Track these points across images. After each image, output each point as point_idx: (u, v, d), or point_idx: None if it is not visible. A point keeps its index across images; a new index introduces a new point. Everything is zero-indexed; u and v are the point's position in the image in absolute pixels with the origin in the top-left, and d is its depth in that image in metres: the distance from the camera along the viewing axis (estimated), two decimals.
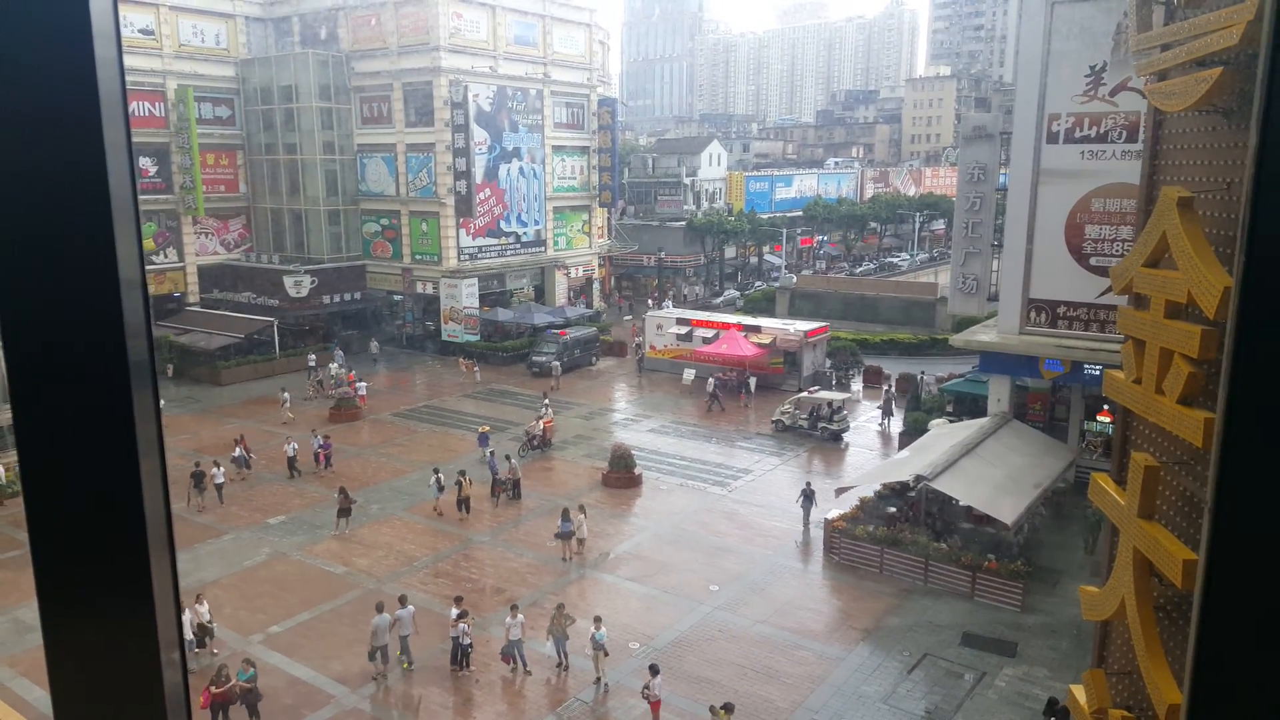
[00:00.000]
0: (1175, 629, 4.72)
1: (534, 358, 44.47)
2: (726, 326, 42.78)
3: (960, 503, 23.17)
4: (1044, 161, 25.88)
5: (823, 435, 33.76)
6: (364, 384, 39.04)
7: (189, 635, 18.39)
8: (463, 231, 48.87)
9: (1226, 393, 1.17)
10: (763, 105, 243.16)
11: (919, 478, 22.67)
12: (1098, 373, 25.84)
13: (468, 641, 18.38)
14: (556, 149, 54.11)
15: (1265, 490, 1.16)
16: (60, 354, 1.07)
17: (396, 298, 51.49)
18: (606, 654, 18.04)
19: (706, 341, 42.07)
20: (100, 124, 1.05)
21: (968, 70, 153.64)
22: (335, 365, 41.66)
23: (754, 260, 77.55)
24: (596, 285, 58.81)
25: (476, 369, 43.90)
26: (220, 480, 27.57)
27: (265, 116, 51.28)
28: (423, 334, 50.15)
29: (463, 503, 26.39)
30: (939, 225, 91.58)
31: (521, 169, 51.46)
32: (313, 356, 43.08)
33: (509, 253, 51.86)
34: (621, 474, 29.12)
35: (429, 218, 49.28)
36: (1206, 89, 4.38)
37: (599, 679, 17.99)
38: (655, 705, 16.47)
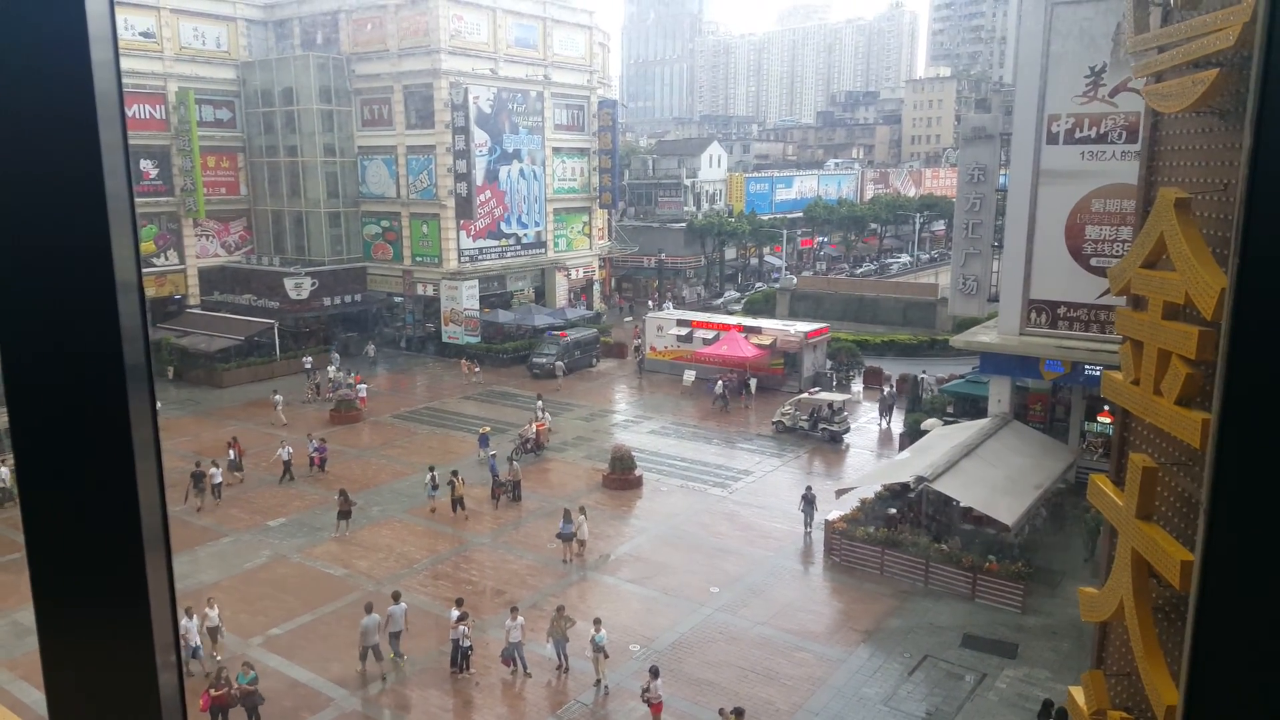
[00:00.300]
0: (1174, 630, 4.72)
1: (534, 359, 44.48)
2: (727, 328, 42.79)
3: (961, 504, 23.16)
4: (1044, 162, 25.89)
5: (823, 436, 33.75)
6: (364, 386, 39.04)
7: (196, 641, 18.26)
8: (463, 233, 48.89)
9: (1221, 393, 1.18)
10: (763, 107, 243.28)
11: (919, 479, 22.66)
12: (1098, 373, 25.82)
13: (468, 644, 18.38)
14: (557, 151, 54.14)
15: (1260, 491, 1.16)
16: (56, 357, 1.07)
17: (397, 300, 51.51)
18: (607, 656, 18.03)
19: (707, 343, 42.07)
20: (96, 126, 1.05)
21: (967, 71, 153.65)
22: (333, 368, 41.66)
23: (754, 261, 77.57)
24: (597, 287, 58.82)
25: (478, 370, 43.91)
26: (218, 480, 27.77)
27: (266, 119, 51.33)
28: (423, 336, 50.16)
29: (456, 502, 26.61)
30: (939, 226, 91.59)
31: (522, 171, 51.49)
32: (309, 359, 43.02)
33: (509, 254, 51.88)
34: (622, 475, 29.12)
35: (429, 220, 49.31)
36: (1203, 90, 4.39)
37: (599, 681, 17.98)
38: (657, 708, 16.45)
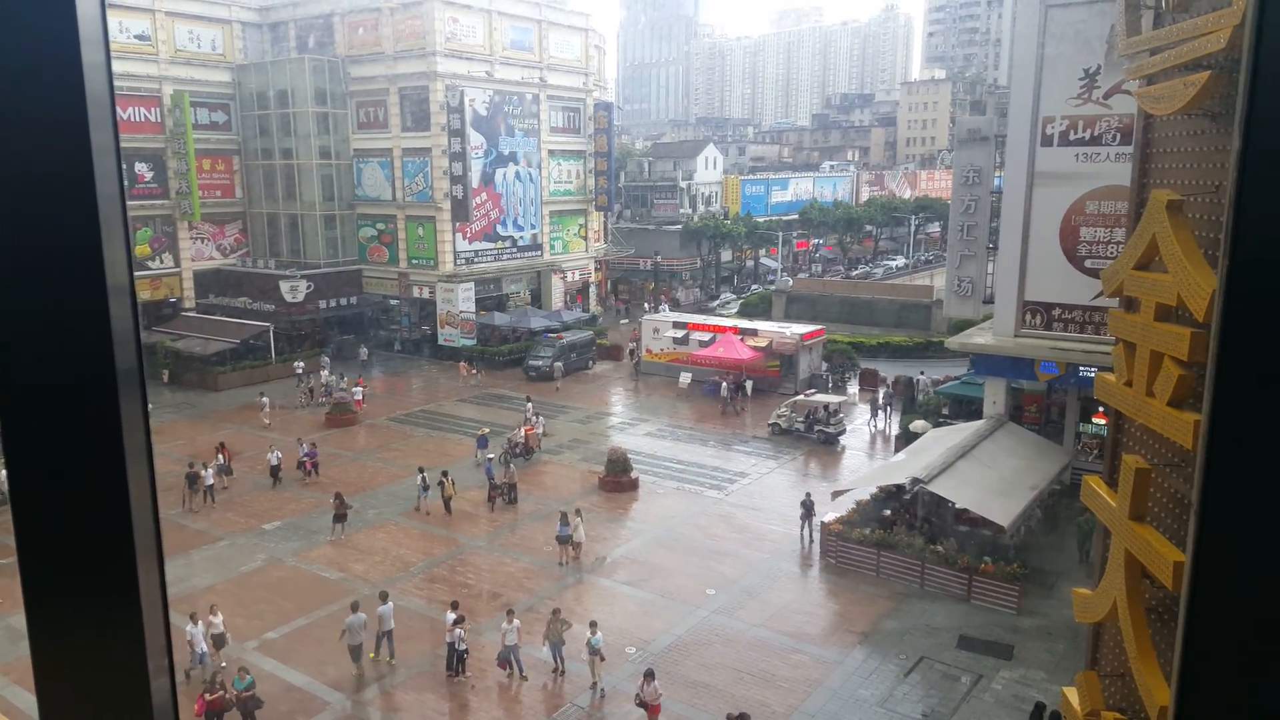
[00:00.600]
0: (1167, 631, 4.73)
1: (530, 362, 44.46)
2: (723, 330, 42.82)
3: (956, 505, 23.18)
4: (1038, 164, 25.94)
5: (819, 438, 33.77)
6: (359, 389, 38.98)
7: (203, 647, 18.07)
8: (459, 236, 48.87)
9: (1212, 394, 1.18)
10: (758, 109, 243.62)
11: (915, 480, 22.68)
12: (1093, 375, 25.84)
13: (464, 647, 18.35)
14: (553, 153, 54.15)
15: (1250, 491, 1.16)
16: (48, 361, 1.07)
17: (393, 302, 51.45)
18: (603, 659, 18.01)
19: (703, 345, 42.10)
20: (88, 129, 1.05)
21: (962, 73, 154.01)
22: (325, 372, 41.56)
23: (750, 263, 77.63)
24: (593, 289, 58.82)
25: (476, 372, 43.91)
26: (210, 482, 27.97)
27: (261, 121, 51.26)
28: (419, 338, 50.10)
29: (446, 502, 26.89)
30: (934, 228, 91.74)
31: (518, 173, 51.48)
32: (300, 364, 42.89)
33: (505, 257, 51.86)
34: (618, 478, 29.10)
35: (425, 222, 49.27)
36: (1194, 93, 4.40)
37: (595, 684, 17.95)
38: (655, 710, 16.43)
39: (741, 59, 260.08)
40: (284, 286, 46.55)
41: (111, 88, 1.11)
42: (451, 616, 18.60)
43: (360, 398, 38.35)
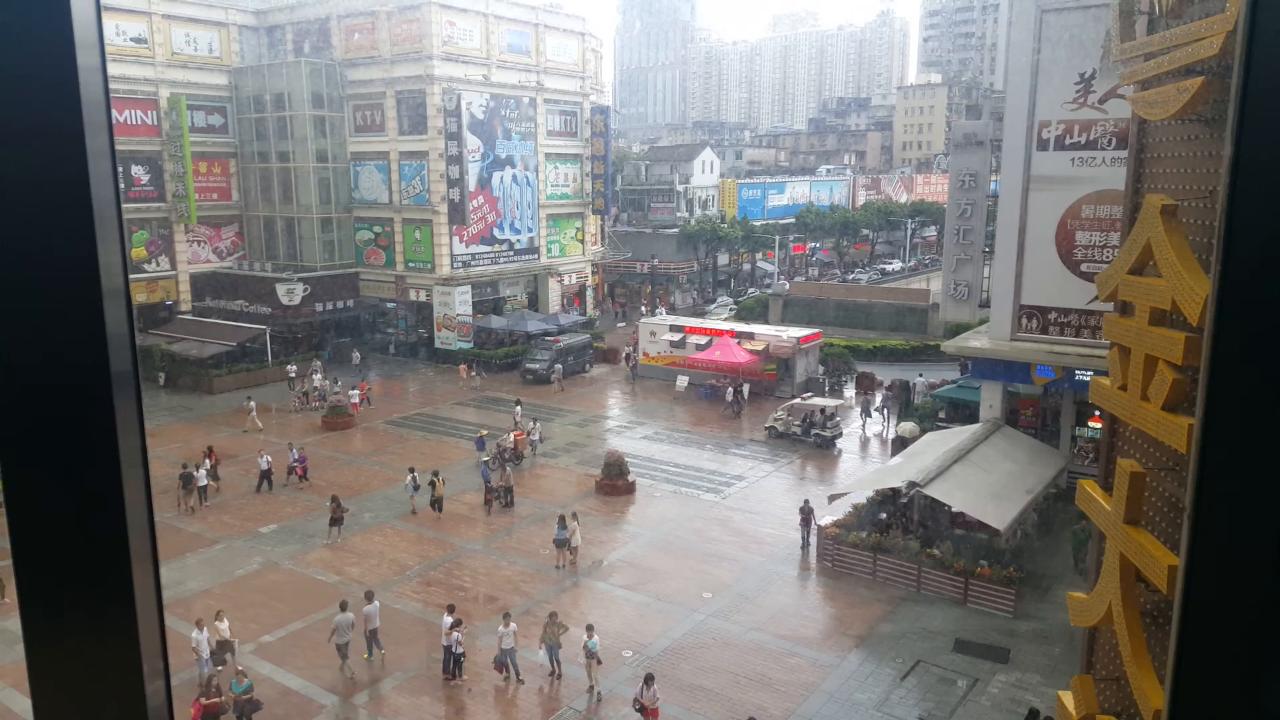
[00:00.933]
0: (1162, 634, 4.74)
1: (528, 365, 44.47)
2: (720, 333, 42.84)
3: (952, 509, 23.19)
4: (1034, 168, 26.00)
5: (816, 442, 33.78)
6: (355, 392, 38.95)
7: (207, 652, 17.92)
8: (456, 239, 48.86)
9: (1204, 398, 1.19)
10: (755, 113, 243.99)
11: (911, 484, 22.69)
12: (1089, 378, 25.88)
13: (460, 650, 18.32)
14: (549, 157, 54.18)
15: (1243, 495, 1.17)
16: (42, 364, 1.07)
17: (390, 305, 51.40)
18: (599, 662, 17.99)
19: (700, 348, 42.12)
20: (83, 133, 1.05)
21: (958, 78, 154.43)
22: (318, 377, 41.48)
23: (747, 267, 77.69)
24: (590, 292, 58.82)
25: (475, 375, 43.91)
26: (204, 483, 28.05)
27: (258, 125, 51.23)
28: (415, 341, 50.06)
29: (436, 503, 26.93)
30: (931, 232, 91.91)
31: (515, 177, 51.49)
32: (293, 367, 42.81)
33: (502, 260, 51.85)
34: (615, 481, 29.08)
35: (422, 225, 49.26)
36: (1188, 98, 4.42)
37: (592, 687, 17.93)
38: (653, 714, 16.39)
39: (738, 63, 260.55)
40: (280, 289, 46.49)
41: (107, 91, 1.11)
42: (448, 620, 18.58)
43: (357, 401, 38.31)
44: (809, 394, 38.19)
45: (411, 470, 27.87)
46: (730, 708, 17.50)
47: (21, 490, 1.09)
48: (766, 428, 35.11)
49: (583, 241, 57.63)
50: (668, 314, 55.81)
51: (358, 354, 46.62)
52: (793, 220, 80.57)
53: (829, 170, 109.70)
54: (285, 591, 22.47)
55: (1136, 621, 4.53)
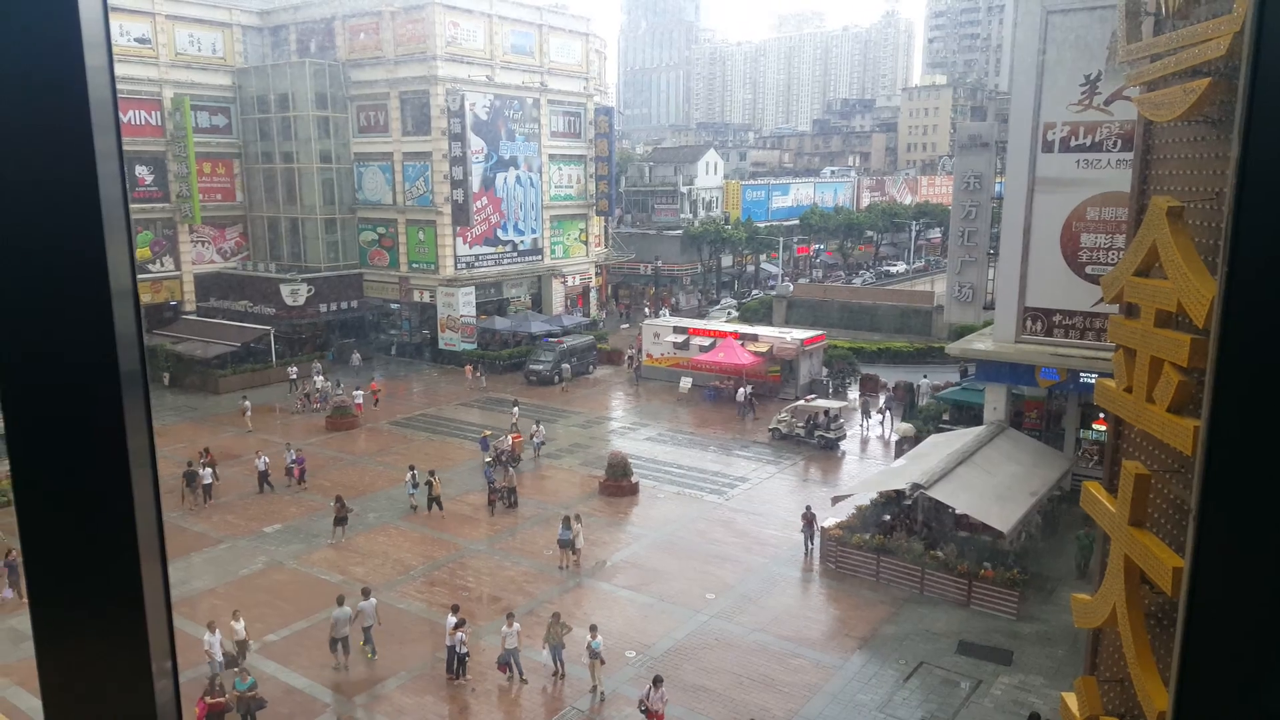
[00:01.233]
0: (1166, 636, 4.73)
1: (531, 366, 44.49)
2: (724, 335, 42.82)
3: (956, 511, 23.16)
4: (1039, 170, 25.96)
5: (819, 443, 33.76)
6: (360, 392, 39.01)
7: (220, 655, 17.88)
8: (460, 240, 48.91)
9: (1210, 400, 1.19)
10: (759, 114, 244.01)
11: (915, 486, 22.67)
12: (1093, 380, 25.84)
13: (464, 650, 18.33)
14: (553, 158, 54.21)
15: (1248, 497, 1.17)
16: (51, 364, 1.08)
17: (394, 306, 51.46)
18: (603, 662, 17.99)
19: (704, 350, 42.11)
20: (91, 133, 1.05)
21: (963, 79, 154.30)
22: (320, 378, 41.52)
23: (751, 269, 77.68)
24: (593, 294, 58.85)
25: (481, 376, 43.98)
26: (209, 481, 28.17)
27: (262, 125, 51.33)
28: (418, 342, 50.12)
29: (433, 501, 27.12)
30: (935, 234, 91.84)
31: (518, 178, 51.53)
32: (293, 369, 42.89)
33: (506, 261, 51.89)
34: (618, 482, 29.08)
35: (426, 226, 49.31)
36: (1194, 99, 4.42)
37: (595, 688, 17.94)
38: (658, 717, 16.34)
39: (742, 64, 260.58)
40: (284, 290, 46.57)
41: (114, 91, 1.11)
42: (452, 620, 18.59)
43: (361, 401, 38.36)
44: (813, 396, 38.17)
45: (412, 468, 28.16)
46: (733, 708, 17.49)
47: (31, 489, 1.10)
48: (770, 429, 35.09)
49: (586, 243, 57.65)
50: (671, 315, 55.81)
51: (358, 355, 46.63)
52: (797, 222, 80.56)
53: (833, 172, 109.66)
54: (289, 591, 22.50)
55: (1141, 623, 4.52)
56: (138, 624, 1.12)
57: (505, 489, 28.03)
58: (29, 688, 18.10)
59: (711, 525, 26.77)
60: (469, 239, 49.28)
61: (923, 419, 33.61)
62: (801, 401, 36.13)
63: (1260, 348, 1.12)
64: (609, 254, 61.80)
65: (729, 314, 60.43)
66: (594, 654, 17.83)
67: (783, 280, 70.37)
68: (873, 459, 33.52)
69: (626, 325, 59.38)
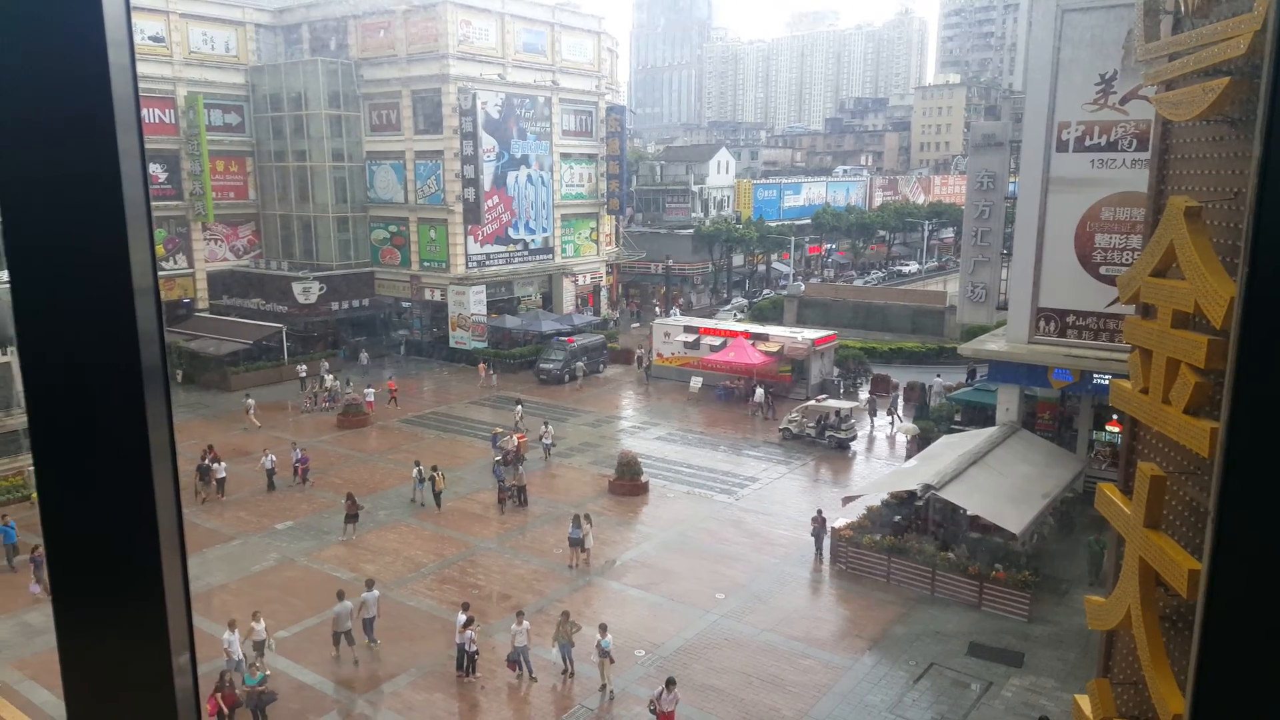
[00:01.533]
0: (1180, 639, 4.70)
1: (542, 365, 44.56)
2: (734, 334, 42.76)
3: (968, 512, 23.07)
4: (1054, 170, 25.81)
5: (830, 444, 33.68)
6: (371, 390, 39.16)
7: (238, 654, 17.87)
8: (470, 239, 49.01)
9: (1229, 402, 1.18)
10: (771, 113, 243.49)
11: (926, 487, 22.59)
12: (1107, 382, 25.72)
13: (474, 648, 18.38)
14: (564, 156, 54.25)
15: (1268, 499, 1.16)
16: (74, 360, 1.08)
17: (405, 304, 51.63)
18: (612, 661, 18.01)
19: (714, 349, 42.06)
20: (114, 131, 1.06)
21: (977, 78, 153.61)
22: (330, 377, 41.69)
23: (762, 268, 77.53)
24: (604, 293, 58.88)
25: (493, 374, 44.11)
26: (222, 475, 28.40)
27: (275, 123, 51.57)
28: (431, 340, 50.27)
29: (436, 496, 27.54)
30: (948, 233, 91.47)
31: (529, 176, 51.60)
32: (303, 367, 43.07)
33: (517, 260, 51.97)
34: (628, 481, 29.10)
35: (437, 225, 49.44)
36: (1213, 99, 4.38)
37: (604, 686, 17.96)
38: (668, 717, 16.32)
39: (755, 63, 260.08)
40: (297, 288, 46.78)
41: (136, 89, 1.11)
42: (462, 618, 18.65)
43: (372, 399, 38.50)
44: (824, 396, 38.08)
45: (417, 463, 28.55)
46: (742, 708, 17.48)
47: (55, 484, 1.10)
48: (781, 429, 35.03)
49: (597, 242, 57.68)
50: (682, 314, 55.77)
51: (365, 354, 46.72)
52: (809, 221, 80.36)
53: (846, 171, 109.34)
54: (301, 587, 22.61)
55: (1155, 626, 4.50)
56: (158, 618, 1.13)
57: (515, 487, 28.08)
58: (42, 681, 18.25)
59: (721, 525, 26.76)
60: (480, 237, 49.38)
61: (934, 420, 33.48)
62: (813, 402, 36.05)
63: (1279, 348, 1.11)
64: (620, 253, 61.80)
65: (736, 314, 60.27)
66: (603, 653, 17.85)
67: (794, 280, 70.22)
68: (884, 460, 33.41)
69: (637, 325, 59.38)
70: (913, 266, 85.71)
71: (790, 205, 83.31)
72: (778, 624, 20.81)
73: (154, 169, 48.00)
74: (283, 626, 20.58)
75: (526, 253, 52.43)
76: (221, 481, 28.42)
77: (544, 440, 32.54)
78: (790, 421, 34.88)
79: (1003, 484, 23.50)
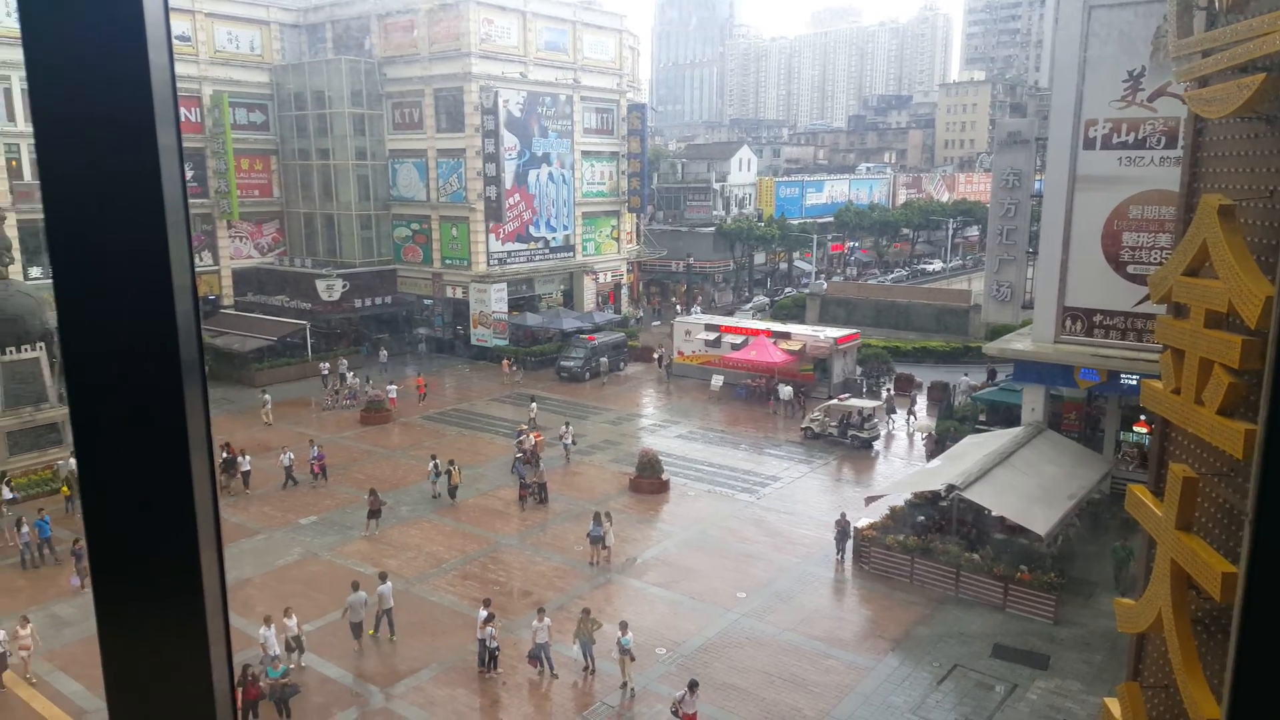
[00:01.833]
0: (1213, 643, 4.63)
1: (562, 362, 44.65)
2: (755, 333, 42.64)
3: (993, 513, 22.88)
4: (1080, 168, 25.53)
5: (853, 443, 33.51)
6: (393, 387, 39.41)
7: (276, 650, 18.00)
8: (492, 236, 49.20)
9: (1269, 402, 1.16)
10: (793, 110, 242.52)
11: (951, 487, 22.42)
12: (1134, 382, 25.42)
13: (495, 644, 18.47)
14: (586, 154, 54.31)
15: None
16: (116, 354, 1.10)
17: (427, 302, 51.92)
18: (633, 659, 18.02)
19: (735, 347, 41.95)
20: (154, 129, 1.07)
21: (1002, 75, 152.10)
22: (350, 375, 42.00)
23: (784, 266, 77.23)
24: (625, 291, 58.90)
25: (518, 371, 44.31)
26: (246, 468, 28.80)
27: (299, 122, 52.02)
28: (452, 338, 50.52)
29: (452, 490, 27.79)
30: (973, 232, 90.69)
31: (551, 174, 51.71)
32: (325, 365, 43.43)
33: (538, 258, 52.11)
34: (649, 479, 29.10)
35: (459, 223, 49.67)
36: (1248, 95, 4.31)
37: (625, 684, 17.98)
38: (690, 719, 16.28)
39: (777, 60, 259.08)
40: (320, 285, 47.17)
41: (174, 89, 1.13)
42: (483, 614, 18.74)
43: (394, 396, 38.75)
44: (846, 395, 37.89)
45: (434, 458, 28.97)
46: (764, 708, 17.45)
47: (96, 476, 1.12)
48: (802, 429, 34.90)
49: (618, 239, 57.71)
50: (703, 313, 55.69)
51: (384, 352, 46.96)
52: (831, 219, 79.95)
53: (869, 168, 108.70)
54: (324, 582, 22.81)
55: (1188, 629, 4.43)
56: (197, 610, 1.14)
57: (536, 484, 28.17)
58: (71, 672, 18.54)
59: (743, 524, 26.70)
60: (501, 235, 49.56)
61: (959, 419, 33.22)
62: (835, 401, 35.89)
63: None
64: (640, 251, 61.80)
65: (755, 313, 60.03)
66: (624, 650, 17.87)
67: (816, 278, 69.89)
68: (907, 460, 33.19)
69: (658, 323, 59.35)
70: (937, 265, 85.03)
71: (812, 203, 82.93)
72: (800, 623, 20.74)
73: None
74: (306, 621, 20.70)
75: (547, 250, 52.55)
76: (246, 474, 28.79)
77: (564, 440, 32.40)
78: (812, 420, 34.73)
79: (1028, 485, 23.28)
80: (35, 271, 41.59)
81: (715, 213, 73.41)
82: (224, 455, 29.17)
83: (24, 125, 42.27)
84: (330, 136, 50.82)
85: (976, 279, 61.15)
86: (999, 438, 26.57)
